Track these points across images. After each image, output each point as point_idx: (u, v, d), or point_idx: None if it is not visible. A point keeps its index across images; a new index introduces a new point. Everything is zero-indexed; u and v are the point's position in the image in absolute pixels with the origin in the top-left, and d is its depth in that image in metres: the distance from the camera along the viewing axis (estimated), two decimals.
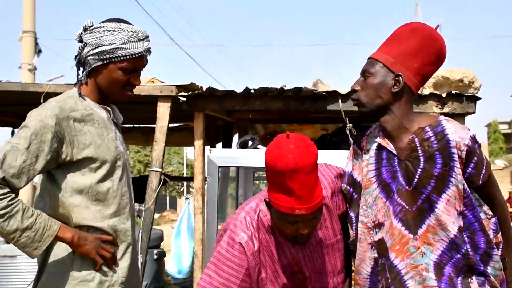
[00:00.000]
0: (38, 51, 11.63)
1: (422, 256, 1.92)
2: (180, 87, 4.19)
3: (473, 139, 1.94)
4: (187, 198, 7.92)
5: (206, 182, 4.24)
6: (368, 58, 2.05)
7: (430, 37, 1.99)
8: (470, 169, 1.94)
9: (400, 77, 1.97)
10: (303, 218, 1.91)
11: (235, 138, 6.34)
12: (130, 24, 2.05)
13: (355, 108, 4.01)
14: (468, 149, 1.92)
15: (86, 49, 2.02)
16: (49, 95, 4.08)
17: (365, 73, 2.02)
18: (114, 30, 2.00)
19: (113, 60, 2.00)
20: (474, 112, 3.98)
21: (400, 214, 1.96)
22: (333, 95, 4.03)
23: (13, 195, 1.80)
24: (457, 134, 1.93)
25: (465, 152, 1.91)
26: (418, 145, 1.96)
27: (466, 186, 1.93)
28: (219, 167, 4.10)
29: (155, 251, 6.74)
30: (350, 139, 4.00)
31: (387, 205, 2.00)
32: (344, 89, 4.06)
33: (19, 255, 4.46)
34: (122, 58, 2.00)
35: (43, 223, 1.83)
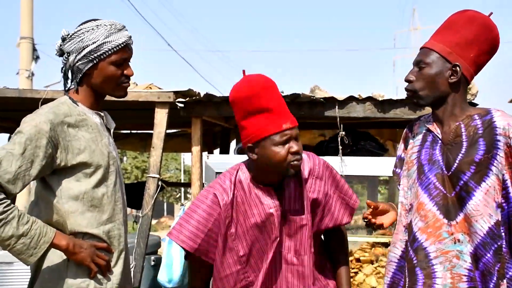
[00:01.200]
0: (35, 57, 11.64)
1: (455, 243, 1.87)
2: (177, 93, 4.19)
3: None
4: (182, 205, 7.87)
5: (203, 188, 4.24)
6: (422, 48, 1.99)
7: (486, 26, 1.94)
8: None
9: (458, 67, 1.92)
10: (292, 134, 1.97)
11: (233, 144, 6.34)
12: (104, 19, 2.06)
13: (353, 114, 4.05)
14: None
15: (71, 58, 2.01)
16: (47, 101, 4.07)
17: (420, 63, 1.95)
18: (93, 29, 2.00)
19: (102, 57, 1.99)
20: None
21: (437, 198, 1.91)
22: (331, 101, 4.03)
23: (9, 201, 1.79)
24: (505, 121, 1.87)
25: None
26: (463, 131, 1.92)
27: (506, 177, 1.86)
28: (217, 173, 4.10)
29: (152, 258, 6.71)
30: (340, 146, 4.02)
31: (417, 187, 1.97)
32: (341, 95, 4.07)
33: (16, 261, 4.44)
34: (110, 52, 2.00)
35: (38, 229, 1.82)
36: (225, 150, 6.15)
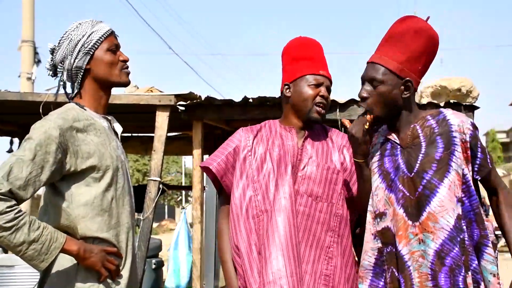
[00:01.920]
0: (37, 61, 11.64)
1: (419, 243, 1.92)
2: (178, 97, 4.20)
3: (473, 124, 1.99)
4: (183, 208, 7.84)
5: (204, 191, 4.24)
6: (371, 62, 2.02)
7: (432, 36, 2.00)
8: (479, 153, 1.98)
9: (410, 83, 1.99)
10: (325, 81, 2.25)
11: None
12: (81, 20, 2.12)
13: (354, 117, 4.05)
14: (472, 133, 1.95)
15: (67, 61, 2.04)
16: (48, 104, 4.08)
17: (373, 81, 2.00)
18: (76, 27, 2.05)
19: (96, 46, 2.03)
20: None
21: (402, 200, 1.97)
22: (332, 104, 4.02)
23: (20, 207, 1.80)
24: (458, 118, 1.97)
25: (469, 136, 1.95)
26: (420, 132, 1.99)
27: (466, 171, 1.94)
28: None
29: (153, 261, 6.72)
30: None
31: (386, 194, 2.02)
32: (342, 99, 4.07)
33: (17, 264, 4.44)
34: (101, 39, 2.04)
35: (49, 235, 1.82)
36: None
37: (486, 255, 1.96)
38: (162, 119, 4.17)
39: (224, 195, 2.36)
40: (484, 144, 2.08)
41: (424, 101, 4.08)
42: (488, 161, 2.01)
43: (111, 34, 2.09)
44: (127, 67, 2.11)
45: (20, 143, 5.94)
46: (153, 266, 6.70)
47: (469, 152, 1.95)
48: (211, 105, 4.14)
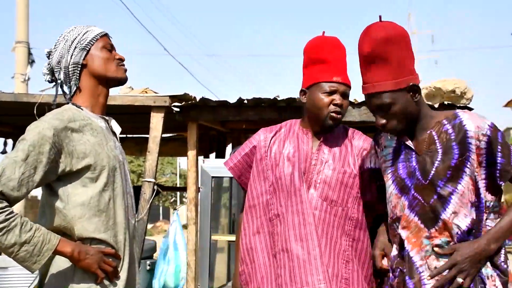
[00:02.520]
0: (31, 62, 11.61)
1: (433, 249, 1.94)
2: (173, 98, 4.20)
3: (493, 127, 1.93)
4: (175, 209, 7.81)
5: (199, 193, 4.24)
6: (371, 94, 1.97)
7: (403, 35, 1.96)
8: (499, 158, 1.93)
9: (414, 87, 1.96)
10: (339, 88, 2.22)
11: (229, 148, 6.35)
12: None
13: (349, 119, 4.06)
14: (488, 138, 1.91)
15: (63, 60, 2.06)
16: (42, 105, 4.08)
17: (383, 107, 1.95)
18: (71, 30, 2.09)
19: (91, 43, 2.06)
20: None
21: (417, 207, 1.97)
22: None
23: (11, 209, 1.79)
24: (474, 123, 1.93)
25: (485, 142, 1.92)
26: (436, 138, 1.97)
27: (478, 178, 1.93)
28: (213, 177, 4.10)
29: (147, 262, 6.70)
30: None
31: (402, 201, 2.02)
32: None
33: (11, 266, 4.42)
34: (96, 37, 2.08)
35: (41, 237, 1.82)
36: (221, 154, 6.15)
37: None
38: (156, 120, 4.17)
39: (244, 191, 2.44)
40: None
41: None
42: (499, 168, 1.94)
43: (105, 35, 2.12)
44: (124, 65, 2.13)
45: (14, 144, 5.92)
46: (148, 268, 6.68)
47: (482, 157, 1.93)
48: (206, 106, 4.14)
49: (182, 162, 30.65)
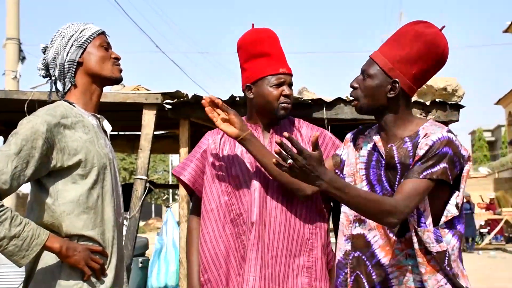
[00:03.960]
0: (22, 58, 11.55)
1: (406, 258, 1.95)
2: (165, 95, 4.19)
3: (443, 140, 1.89)
4: (168, 206, 7.78)
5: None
6: (369, 57, 2.06)
7: (433, 43, 1.96)
8: (422, 159, 1.89)
9: (396, 84, 1.98)
10: (286, 79, 2.24)
11: None
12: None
13: (340, 116, 4.06)
14: (428, 148, 1.88)
15: (60, 56, 2.06)
16: (33, 102, 4.06)
17: (364, 73, 2.03)
18: (69, 26, 2.09)
19: (88, 40, 2.07)
20: (457, 120, 4.02)
21: None
22: (318, 103, 4.05)
23: (2, 202, 1.79)
24: (427, 138, 1.92)
25: (424, 150, 1.88)
26: (395, 153, 1.99)
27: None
28: None
29: (140, 259, 6.69)
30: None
31: None
32: (329, 97, 4.08)
33: (4, 264, 4.41)
34: (93, 35, 2.08)
35: (31, 231, 1.81)
36: None
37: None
38: (148, 118, 4.16)
39: (195, 196, 2.39)
40: (470, 148, 2.03)
41: None
42: (416, 167, 1.88)
43: (103, 33, 2.12)
44: (119, 64, 2.13)
45: (4, 141, 5.89)
46: (140, 265, 6.67)
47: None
48: (198, 103, 4.13)
49: (174, 160, 30.63)
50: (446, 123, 3.96)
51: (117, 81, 2.15)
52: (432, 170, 1.87)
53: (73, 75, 2.06)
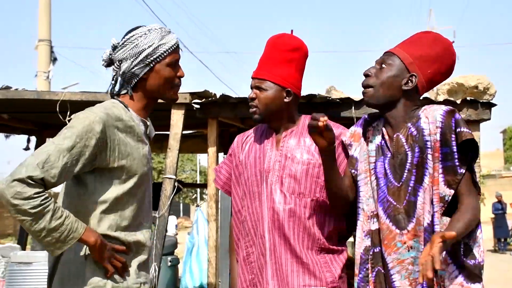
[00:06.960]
0: (53, 59, 11.76)
1: (409, 251, 1.97)
2: (193, 94, 4.21)
3: (445, 115, 1.96)
4: (198, 206, 7.81)
5: (219, 189, 4.24)
6: (386, 52, 2.09)
7: (449, 49, 2.07)
8: (454, 147, 1.96)
9: (414, 77, 2.03)
10: (253, 83, 2.36)
11: None
12: (150, 25, 2.07)
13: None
14: (441, 130, 1.95)
15: (125, 64, 2.01)
16: (65, 103, 4.12)
17: (382, 63, 2.06)
18: (145, 33, 2.01)
19: (158, 59, 2.01)
20: (489, 119, 3.94)
21: (389, 210, 2.01)
22: (346, 102, 4.02)
23: (46, 194, 1.80)
24: (429, 118, 1.99)
25: (440, 134, 1.96)
26: (404, 142, 2.02)
27: (436, 174, 1.95)
28: None
29: (169, 258, 6.75)
30: None
31: (375, 199, 2.08)
32: (357, 96, 4.05)
33: (35, 262, 4.49)
34: (165, 54, 2.02)
35: (70, 225, 1.83)
36: None
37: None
38: (177, 117, 4.18)
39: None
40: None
41: (441, 98, 4.05)
42: (456, 156, 1.96)
43: (176, 48, 2.07)
44: (180, 83, 2.12)
45: (37, 141, 5.99)
46: (169, 264, 6.73)
47: (440, 150, 1.96)
48: (226, 103, 4.15)
49: (202, 159, 30.80)
50: (477, 122, 3.90)
51: (173, 102, 2.19)
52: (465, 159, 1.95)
53: (132, 85, 2.05)
